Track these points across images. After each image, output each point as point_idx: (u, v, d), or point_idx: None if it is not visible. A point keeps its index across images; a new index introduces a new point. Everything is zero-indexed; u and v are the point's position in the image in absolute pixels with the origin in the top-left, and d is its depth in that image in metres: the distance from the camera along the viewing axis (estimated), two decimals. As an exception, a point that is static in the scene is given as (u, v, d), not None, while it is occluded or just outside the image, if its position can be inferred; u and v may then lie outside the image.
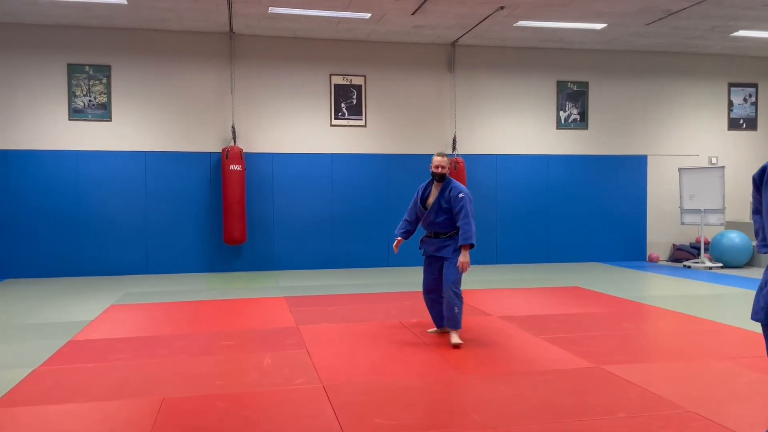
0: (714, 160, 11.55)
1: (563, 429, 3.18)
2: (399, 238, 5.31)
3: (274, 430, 3.22)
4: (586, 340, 5.09)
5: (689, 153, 11.52)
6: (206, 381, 4.06)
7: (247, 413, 3.46)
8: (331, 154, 10.22)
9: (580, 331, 5.45)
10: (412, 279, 8.82)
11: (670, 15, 9.00)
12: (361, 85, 10.28)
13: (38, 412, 3.52)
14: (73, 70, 9.37)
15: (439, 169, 5.07)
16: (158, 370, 4.32)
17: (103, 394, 3.81)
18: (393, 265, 10.31)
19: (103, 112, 9.48)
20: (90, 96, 9.44)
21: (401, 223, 5.34)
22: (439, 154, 5.13)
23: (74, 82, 9.39)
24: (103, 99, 9.47)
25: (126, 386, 3.97)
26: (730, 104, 11.68)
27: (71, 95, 9.38)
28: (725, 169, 10.52)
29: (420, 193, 5.23)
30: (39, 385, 4.00)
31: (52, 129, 9.34)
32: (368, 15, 8.85)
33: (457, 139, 10.53)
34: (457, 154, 10.43)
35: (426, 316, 5.59)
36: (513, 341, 5.11)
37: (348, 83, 10.24)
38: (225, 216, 9.47)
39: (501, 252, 10.68)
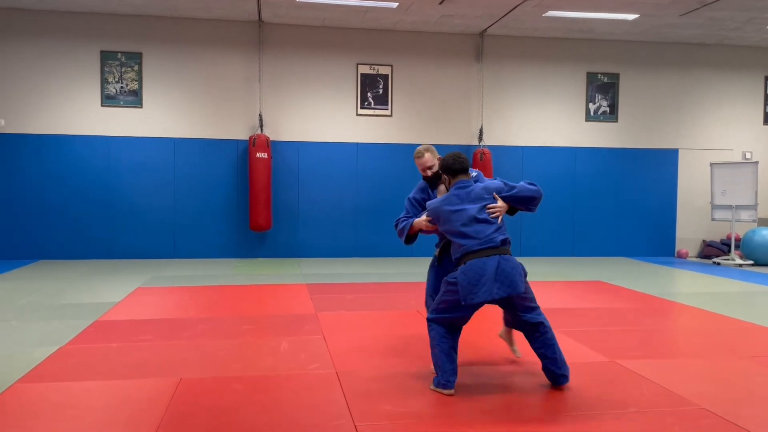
0: (748, 155, 11.27)
1: (571, 421, 3.19)
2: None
3: (286, 413, 3.29)
4: (604, 335, 5.05)
5: (723, 147, 11.26)
6: (224, 364, 4.16)
7: (261, 396, 3.54)
8: (357, 143, 10.26)
9: (598, 326, 5.41)
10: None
11: (704, 6, 8.79)
12: (387, 75, 10.28)
13: (61, 388, 3.65)
14: (105, 57, 9.57)
15: (428, 172, 4.06)
16: (178, 352, 4.43)
17: (124, 373, 3.93)
18: (416, 256, 10.32)
19: (134, 98, 9.67)
20: (122, 83, 9.63)
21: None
22: (422, 151, 4.04)
23: (107, 69, 9.59)
24: (135, 86, 9.66)
25: (146, 366, 4.08)
26: (767, 98, 11.37)
27: (104, 82, 9.58)
28: (759, 165, 10.26)
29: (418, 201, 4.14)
30: (64, 363, 4.14)
31: (85, 115, 9.56)
32: (396, 4, 8.83)
33: (483, 130, 10.48)
34: (484, 145, 10.37)
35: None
36: (530, 334, 5.09)
37: (375, 73, 10.25)
38: (251, 203, 9.60)
39: (525, 245, 10.61)
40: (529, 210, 3.87)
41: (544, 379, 3.79)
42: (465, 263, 3.55)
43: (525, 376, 3.95)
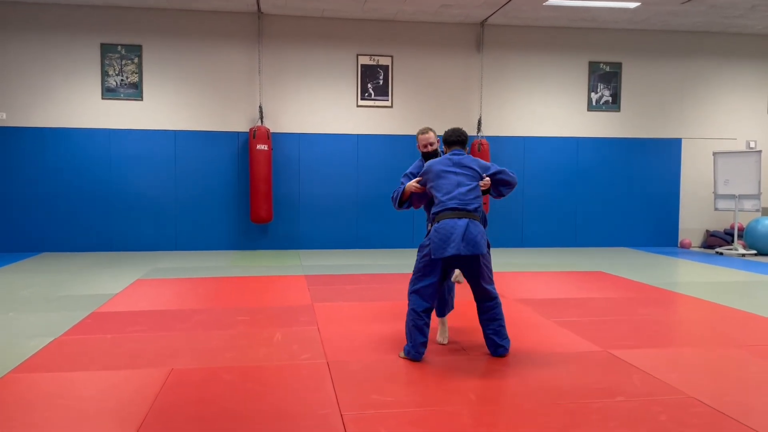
0: (752, 144, 11.18)
1: (558, 410, 3.18)
2: None
3: (274, 403, 3.30)
4: (598, 325, 5.04)
5: (726, 137, 11.17)
6: (216, 354, 4.18)
7: (250, 386, 3.55)
8: (357, 134, 10.24)
9: (594, 316, 5.40)
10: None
11: (706, -7, 8.69)
12: (388, 66, 10.24)
13: (54, 378, 3.68)
14: (105, 49, 9.58)
15: (429, 147, 4.67)
16: (172, 343, 4.45)
17: (116, 364, 3.96)
18: (416, 247, 10.30)
19: (134, 91, 9.68)
20: (122, 75, 9.65)
21: None
22: (427, 129, 4.76)
23: (107, 62, 9.60)
24: (135, 78, 9.67)
25: (139, 357, 4.11)
26: (771, 86, 11.25)
27: (104, 74, 9.60)
28: (762, 154, 10.17)
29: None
30: (58, 354, 4.17)
31: (86, 108, 9.59)
32: (394, -6, 8.78)
33: (482, 121, 10.43)
34: (482, 136, 10.33)
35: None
36: (523, 323, 5.10)
37: (375, 63, 10.21)
38: (252, 195, 9.61)
39: (527, 236, 10.58)
40: (501, 195, 4.30)
41: (535, 370, 3.79)
42: (438, 221, 3.97)
43: (512, 366, 3.95)
